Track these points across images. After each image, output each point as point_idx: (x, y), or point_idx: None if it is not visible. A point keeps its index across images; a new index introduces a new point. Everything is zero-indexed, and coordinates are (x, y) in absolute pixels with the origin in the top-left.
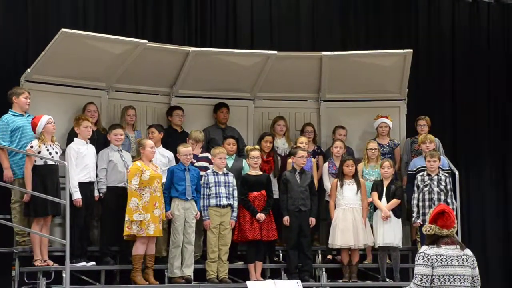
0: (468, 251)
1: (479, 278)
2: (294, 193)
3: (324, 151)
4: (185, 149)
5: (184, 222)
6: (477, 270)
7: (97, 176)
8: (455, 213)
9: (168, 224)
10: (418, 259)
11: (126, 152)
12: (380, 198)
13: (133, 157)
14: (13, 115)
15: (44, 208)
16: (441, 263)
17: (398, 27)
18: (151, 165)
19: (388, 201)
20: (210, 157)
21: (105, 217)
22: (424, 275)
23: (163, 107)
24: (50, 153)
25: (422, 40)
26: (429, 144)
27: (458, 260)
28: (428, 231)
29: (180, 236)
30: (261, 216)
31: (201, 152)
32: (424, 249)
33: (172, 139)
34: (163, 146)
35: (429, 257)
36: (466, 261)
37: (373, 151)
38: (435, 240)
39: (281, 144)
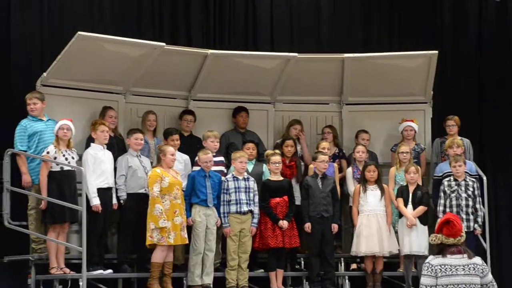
0: (476, 260)
1: (494, 284)
2: (316, 198)
3: (346, 156)
4: (205, 156)
5: (206, 229)
6: (489, 277)
7: (115, 183)
8: (482, 219)
9: (187, 230)
10: (423, 269)
11: (145, 157)
12: (405, 204)
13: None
14: (32, 120)
15: (61, 215)
16: (445, 272)
17: (422, 27)
18: (172, 171)
19: (414, 207)
20: (224, 160)
21: (124, 224)
22: (428, 285)
23: (181, 111)
24: (66, 159)
25: (448, 40)
26: (456, 149)
27: (464, 269)
28: (434, 240)
29: (202, 243)
30: (284, 223)
31: (217, 156)
32: (429, 259)
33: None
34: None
35: (433, 267)
36: (474, 269)
37: (404, 154)
38: (441, 249)
39: (298, 147)
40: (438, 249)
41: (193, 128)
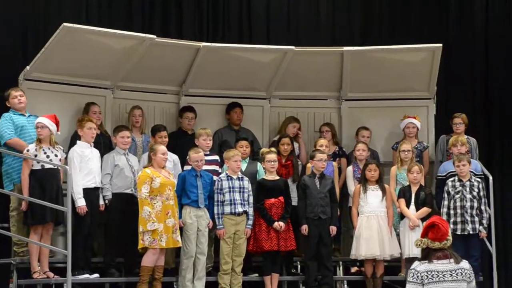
0: (464, 264)
1: None
2: (313, 199)
3: (347, 154)
4: (196, 155)
5: (197, 231)
6: (473, 284)
7: (101, 182)
8: (488, 221)
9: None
10: (409, 276)
11: (133, 156)
12: (407, 205)
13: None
14: (13, 114)
15: (42, 215)
16: (432, 279)
17: (426, 19)
18: (163, 171)
19: (417, 209)
20: (219, 159)
21: (111, 226)
22: None
23: (172, 107)
24: (48, 156)
25: (453, 33)
26: (460, 147)
27: (451, 275)
28: (419, 245)
29: (193, 245)
30: (279, 225)
31: (210, 155)
32: (415, 265)
33: (181, 141)
34: (169, 149)
35: (419, 274)
36: (461, 275)
37: (406, 153)
38: (427, 254)
39: (296, 147)
40: (424, 254)
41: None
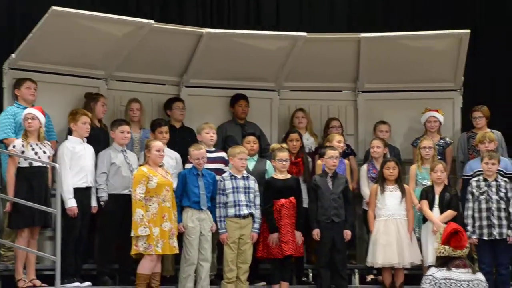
0: (479, 276)
1: None
2: (326, 201)
3: (354, 151)
4: (197, 152)
5: (200, 236)
6: None
7: (96, 182)
8: None
9: (178, 238)
10: (425, 282)
11: (131, 153)
12: (431, 207)
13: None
14: (18, 107)
15: (30, 218)
16: (450, 287)
17: (452, 2)
18: (161, 170)
19: (441, 211)
20: (226, 157)
21: (104, 229)
22: None
23: (167, 100)
24: (36, 153)
25: (481, 18)
26: (488, 144)
27: (469, 285)
28: (442, 253)
29: (195, 251)
30: (273, 236)
31: (215, 152)
32: (432, 271)
33: (170, 137)
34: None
35: (437, 281)
36: (478, 286)
37: (427, 150)
38: (446, 261)
39: (305, 140)
40: (442, 261)
41: (184, 119)
